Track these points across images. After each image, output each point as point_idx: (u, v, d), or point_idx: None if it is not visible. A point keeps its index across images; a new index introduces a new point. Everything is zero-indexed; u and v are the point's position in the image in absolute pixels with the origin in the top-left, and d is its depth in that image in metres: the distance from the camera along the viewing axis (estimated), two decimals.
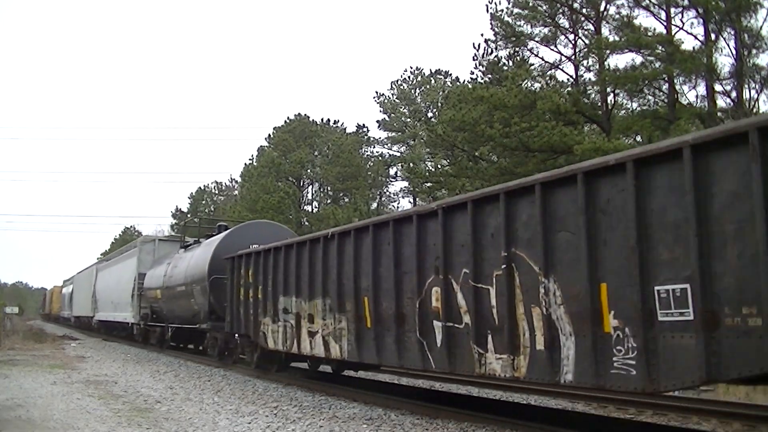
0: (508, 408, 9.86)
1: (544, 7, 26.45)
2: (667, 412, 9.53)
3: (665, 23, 24.06)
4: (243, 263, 14.56)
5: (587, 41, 26.03)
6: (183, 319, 19.91)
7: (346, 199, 45.91)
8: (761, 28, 22.51)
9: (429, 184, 35.09)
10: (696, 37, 23.67)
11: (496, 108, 24.33)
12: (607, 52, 24.18)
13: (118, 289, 28.10)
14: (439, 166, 33.54)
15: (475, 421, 8.49)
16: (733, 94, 23.03)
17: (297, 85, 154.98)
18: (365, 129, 51.71)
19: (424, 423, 8.68)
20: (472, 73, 29.03)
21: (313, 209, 49.34)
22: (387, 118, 50.49)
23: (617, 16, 25.30)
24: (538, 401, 11.26)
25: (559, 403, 11.02)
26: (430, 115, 46.64)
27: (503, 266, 7.17)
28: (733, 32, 23.02)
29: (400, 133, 50.30)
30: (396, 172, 49.19)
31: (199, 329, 18.15)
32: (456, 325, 7.80)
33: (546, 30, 26.66)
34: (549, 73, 27.18)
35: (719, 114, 22.51)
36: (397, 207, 49.60)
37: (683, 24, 23.92)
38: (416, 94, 49.84)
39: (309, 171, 49.64)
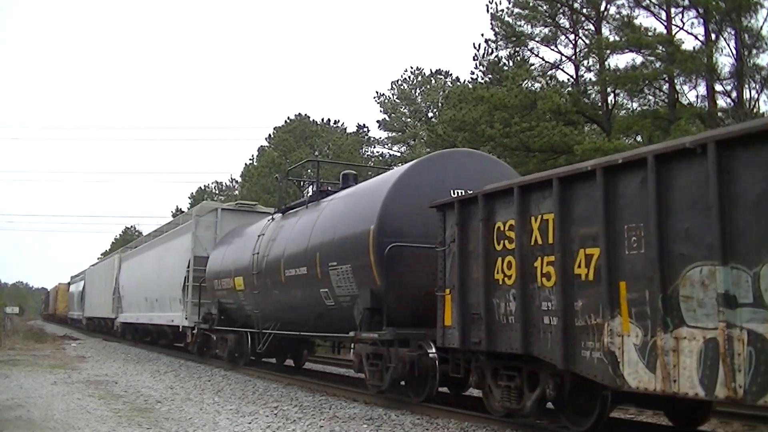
0: None
1: (545, 7, 26.45)
2: None
3: (665, 23, 24.07)
4: (512, 208, 7.67)
5: (588, 41, 26.03)
6: (294, 322, 12.99)
7: None
8: (761, 28, 22.52)
9: None
10: (696, 37, 23.70)
11: (496, 108, 24.33)
12: (608, 52, 24.19)
13: (160, 281, 21.36)
14: None
15: (475, 421, 8.48)
16: (734, 94, 23.04)
17: (297, 85, 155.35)
18: (365, 129, 51.75)
19: (424, 423, 8.67)
20: (473, 73, 29.08)
21: None
22: (387, 118, 50.47)
23: (617, 16, 25.32)
24: None
25: None
26: (430, 115, 46.63)
27: None
28: (733, 32, 23.02)
29: (400, 133, 50.29)
30: None
31: (355, 340, 10.49)
32: None
33: (546, 30, 26.67)
34: (549, 73, 27.20)
35: (719, 114, 22.52)
36: None
37: (683, 24, 23.95)
38: (416, 94, 49.82)
39: (309, 171, 49.62)
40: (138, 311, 24.44)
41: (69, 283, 52.87)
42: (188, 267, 18.48)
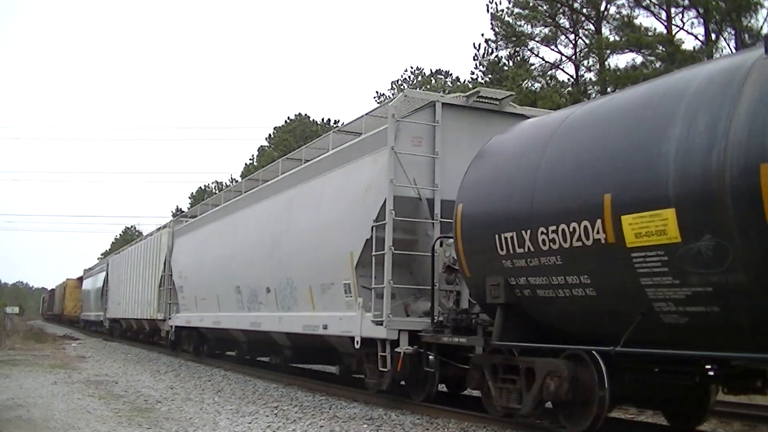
0: None
1: (545, 7, 26.50)
2: None
3: (665, 23, 24.12)
4: None
5: (588, 41, 26.08)
6: None
7: None
8: (761, 28, 22.56)
9: None
10: (696, 37, 23.77)
11: None
12: (608, 51, 24.25)
13: (279, 257, 12.15)
14: None
15: (475, 421, 8.47)
16: None
17: (297, 85, 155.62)
18: None
19: (424, 423, 8.66)
20: (473, 73, 29.20)
21: None
22: None
23: (618, 15, 25.41)
24: None
25: None
26: None
27: None
28: (733, 32, 23.05)
29: None
30: None
31: None
32: None
33: (546, 30, 26.74)
34: (549, 73, 27.26)
35: None
36: None
37: (683, 24, 24.01)
38: None
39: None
40: (216, 310, 15.93)
41: (81, 278, 45.14)
42: (378, 220, 9.13)
